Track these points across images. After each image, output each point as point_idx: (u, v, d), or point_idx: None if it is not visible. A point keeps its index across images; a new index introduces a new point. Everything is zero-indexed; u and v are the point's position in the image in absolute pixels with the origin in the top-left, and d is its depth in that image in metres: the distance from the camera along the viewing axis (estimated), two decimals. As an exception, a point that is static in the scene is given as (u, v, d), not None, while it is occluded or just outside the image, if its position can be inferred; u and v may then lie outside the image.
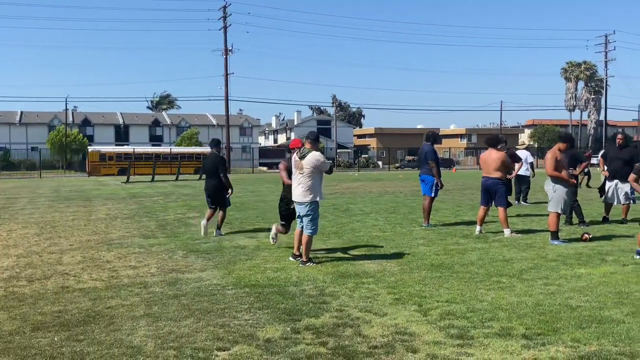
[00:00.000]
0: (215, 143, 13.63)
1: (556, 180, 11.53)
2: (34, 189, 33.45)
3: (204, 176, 15.68)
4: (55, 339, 5.98)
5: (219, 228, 13.33)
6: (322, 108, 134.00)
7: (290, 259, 10.02)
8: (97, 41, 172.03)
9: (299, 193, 9.60)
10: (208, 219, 13.35)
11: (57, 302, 7.46)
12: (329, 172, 9.89)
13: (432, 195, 14.07)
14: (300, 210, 9.72)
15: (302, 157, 9.61)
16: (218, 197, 13.39)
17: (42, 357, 5.50)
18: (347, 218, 16.17)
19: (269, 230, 12.18)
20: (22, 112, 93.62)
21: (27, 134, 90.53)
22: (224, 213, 13.52)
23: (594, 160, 43.60)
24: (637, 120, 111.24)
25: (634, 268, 9.09)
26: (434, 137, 14.39)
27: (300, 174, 9.59)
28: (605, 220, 14.74)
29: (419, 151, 14.54)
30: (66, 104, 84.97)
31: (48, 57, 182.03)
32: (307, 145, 9.72)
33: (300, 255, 9.82)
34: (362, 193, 26.95)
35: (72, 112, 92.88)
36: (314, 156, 9.58)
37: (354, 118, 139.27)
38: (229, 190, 13.33)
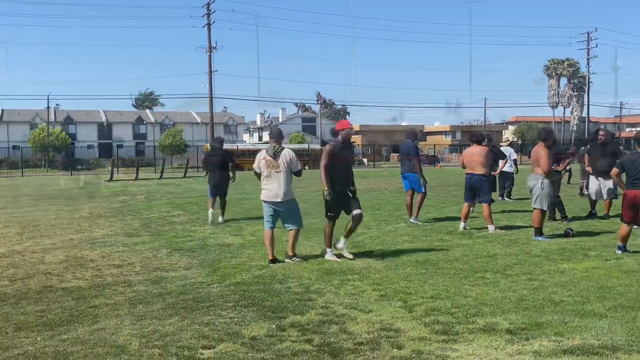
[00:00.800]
0: (220, 141, 16.01)
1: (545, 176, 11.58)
2: (16, 188, 33.19)
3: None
4: (38, 339, 5.94)
5: (222, 215, 14.98)
6: (306, 105, 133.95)
7: (271, 265, 9.47)
8: (79, 38, 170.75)
9: (282, 192, 9.49)
10: (212, 207, 14.96)
11: (40, 302, 7.42)
12: (298, 174, 9.68)
13: (423, 191, 14.10)
14: (281, 208, 9.62)
15: (275, 155, 9.55)
16: (224, 186, 15.15)
17: (25, 357, 5.46)
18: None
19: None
20: (3, 110, 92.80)
21: (9, 132, 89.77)
22: (225, 201, 15.21)
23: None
24: (618, 117, 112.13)
25: (616, 263, 9.16)
26: (415, 134, 14.51)
27: (277, 172, 9.50)
28: (592, 215, 14.83)
29: (401, 149, 14.58)
30: (48, 101, 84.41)
31: (29, 55, 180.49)
32: (273, 143, 9.66)
33: (276, 260, 9.60)
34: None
35: (55, 110, 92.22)
36: (289, 154, 9.54)
37: (339, 115, 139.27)
38: (233, 179, 15.32)
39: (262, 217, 9.98)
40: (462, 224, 12.96)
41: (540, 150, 11.65)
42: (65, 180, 43.33)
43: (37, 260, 10.32)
